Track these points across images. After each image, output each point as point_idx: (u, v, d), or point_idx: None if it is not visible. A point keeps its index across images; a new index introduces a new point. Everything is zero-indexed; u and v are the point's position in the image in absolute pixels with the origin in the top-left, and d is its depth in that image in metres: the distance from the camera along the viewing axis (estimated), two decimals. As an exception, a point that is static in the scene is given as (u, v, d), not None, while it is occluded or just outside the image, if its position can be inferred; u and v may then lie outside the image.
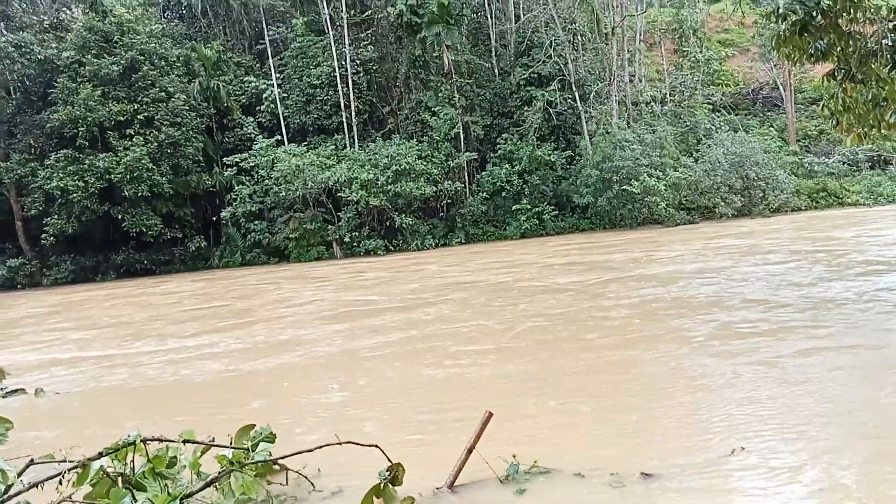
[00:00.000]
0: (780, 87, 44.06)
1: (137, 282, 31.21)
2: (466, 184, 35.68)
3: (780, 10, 9.09)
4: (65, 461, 4.18)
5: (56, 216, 32.71)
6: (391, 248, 33.19)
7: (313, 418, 7.30)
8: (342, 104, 36.12)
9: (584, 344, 9.65)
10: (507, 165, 34.86)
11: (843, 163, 37.84)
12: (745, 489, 4.50)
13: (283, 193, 33.14)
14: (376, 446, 4.79)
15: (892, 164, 38.23)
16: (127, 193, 32.57)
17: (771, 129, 42.52)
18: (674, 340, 9.21)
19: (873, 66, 9.13)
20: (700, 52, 45.31)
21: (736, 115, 43.33)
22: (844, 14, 9.10)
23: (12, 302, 26.07)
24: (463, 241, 34.13)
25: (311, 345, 11.48)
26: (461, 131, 35.40)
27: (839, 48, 9.27)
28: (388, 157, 33.28)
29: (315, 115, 36.70)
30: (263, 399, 8.33)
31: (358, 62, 36.71)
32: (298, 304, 16.99)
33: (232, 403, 8.27)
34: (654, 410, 6.45)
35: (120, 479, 4.17)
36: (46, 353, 13.08)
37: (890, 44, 9.02)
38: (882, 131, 10.18)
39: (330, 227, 33.74)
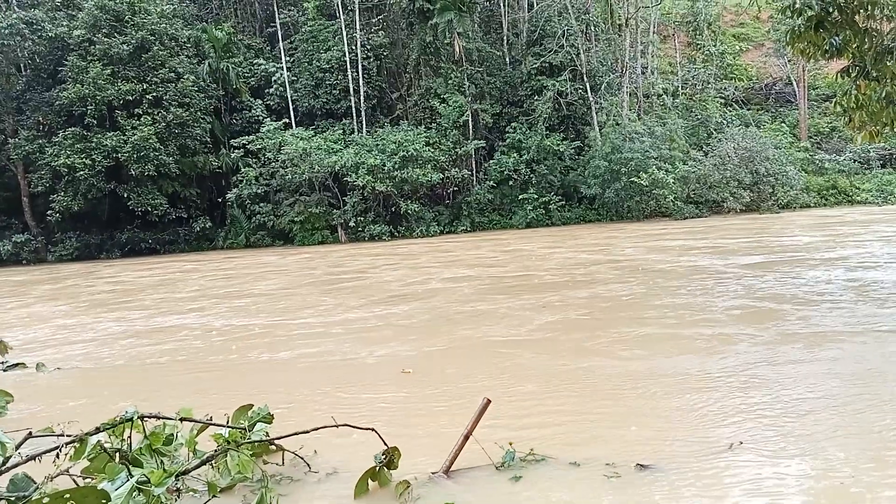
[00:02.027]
0: (794, 83, 43.68)
1: (213, 255, 30.95)
2: (473, 172, 35.59)
3: (797, 5, 8.97)
4: (63, 435, 4.20)
5: (62, 193, 32.87)
6: (396, 233, 33.21)
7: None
8: (351, 89, 36.02)
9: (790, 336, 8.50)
10: (515, 154, 34.74)
11: (855, 161, 37.58)
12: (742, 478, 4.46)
13: (290, 176, 33.17)
14: (373, 430, 4.80)
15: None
16: (133, 172, 32.69)
17: (783, 124, 42.22)
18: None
19: (888, 63, 9.01)
20: (714, 46, 44.95)
21: (748, 109, 43.03)
22: (861, 10, 8.97)
23: (104, 272, 25.57)
24: (468, 228, 34.10)
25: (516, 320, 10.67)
26: (470, 119, 35.27)
27: (854, 45, 9.14)
28: (395, 143, 33.21)
29: (324, 100, 36.63)
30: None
31: (368, 47, 36.56)
32: (444, 280, 16.04)
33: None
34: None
35: (117, 454, 4.20)
36: (202, 318, 12.60)
37: (906, 41, 8.89)
38: (895, 130, 10.07)
39: (335, 211, 33.76)
